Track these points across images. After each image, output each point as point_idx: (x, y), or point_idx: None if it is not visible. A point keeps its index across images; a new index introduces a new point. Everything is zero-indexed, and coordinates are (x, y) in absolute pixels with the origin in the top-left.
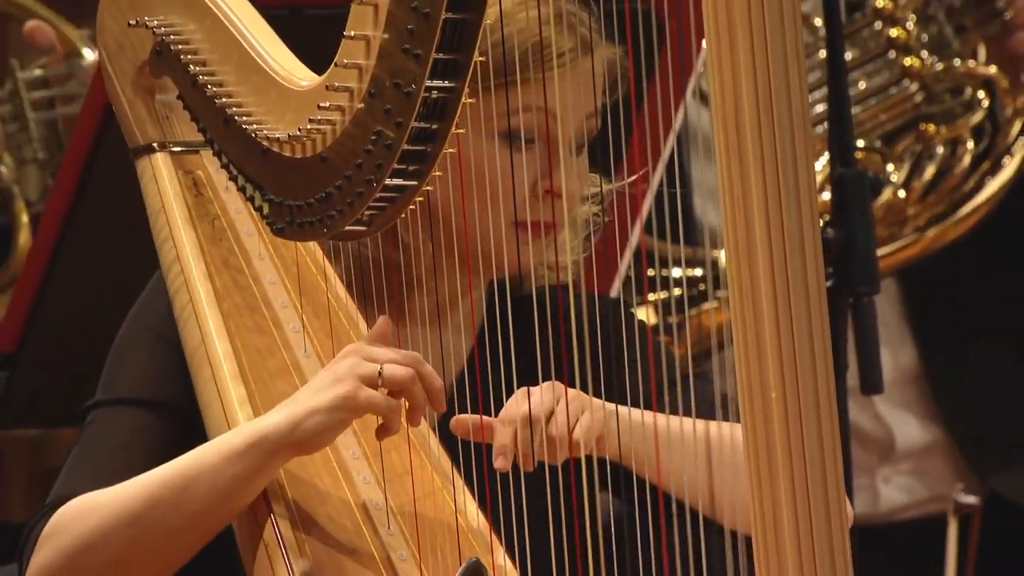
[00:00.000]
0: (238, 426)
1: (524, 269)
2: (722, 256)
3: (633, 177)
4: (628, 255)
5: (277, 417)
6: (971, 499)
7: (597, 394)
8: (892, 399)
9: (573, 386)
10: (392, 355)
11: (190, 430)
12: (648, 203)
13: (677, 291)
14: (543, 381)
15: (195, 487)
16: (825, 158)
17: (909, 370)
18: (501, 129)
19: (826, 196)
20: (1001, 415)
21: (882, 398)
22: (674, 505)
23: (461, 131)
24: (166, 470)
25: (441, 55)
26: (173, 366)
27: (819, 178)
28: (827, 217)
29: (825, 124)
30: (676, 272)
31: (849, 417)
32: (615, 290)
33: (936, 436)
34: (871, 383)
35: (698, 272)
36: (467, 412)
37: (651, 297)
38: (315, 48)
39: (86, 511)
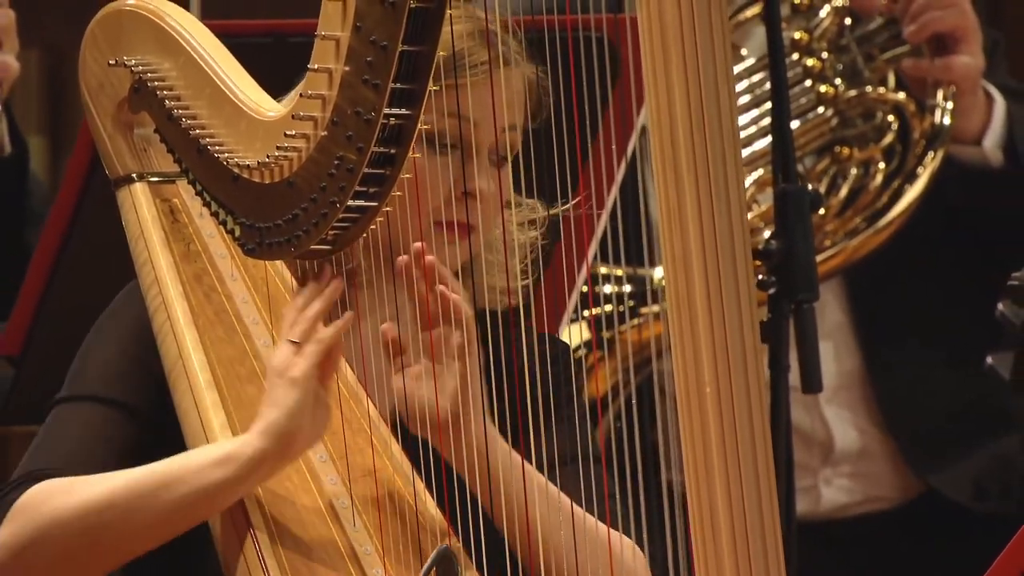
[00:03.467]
0: (227, 439)
1: (451, 269)
2: (655, 272)
3: (572, 202)
4: (582, 277)
5: (252, 436)
6: None
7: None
8: (834, 404)
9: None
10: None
11: (149, 433)
12: (603, 224)
13: (608, 308)
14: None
15: (177, 485)
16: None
17: (850, 376)
18: (423, 134)
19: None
20: (938, 416)
21: (825, 402)
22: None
23: (417, 155)
24: (151, 466)
25: (398, 85)
26: (136, 371)
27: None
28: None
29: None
30: (611, 289)
31: (792, 420)
32: (568, 311)
33: (874, 440)
34: (811, 383)
35: (627, 288)
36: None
37: (586, 313)
38: (297, 74)
39: (64, 490)
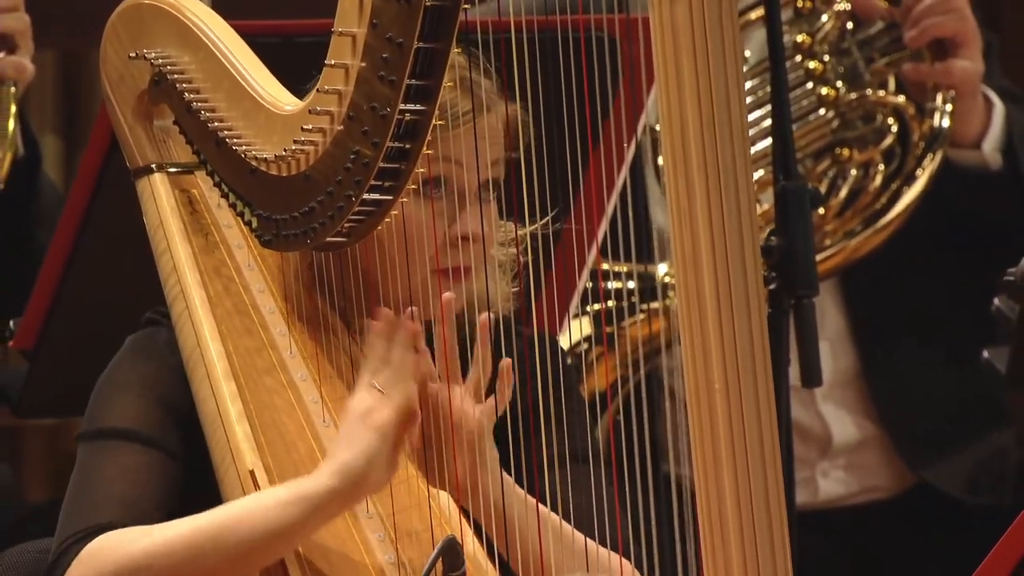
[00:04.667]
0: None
1: (455, 310)
2: (659, 269)
3: (544, 219)
4: (586, 274)
5: (323, 475)
6: None
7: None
8: (831, 399)
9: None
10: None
11: (186, 471)
12: (605, 221)
13: (611, 304)
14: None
15: (246, 525)
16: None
17: (847, 372)
18: (416, 185)
19: None
20: (931, 411)
21: (822, 398)
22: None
23: (430, 152)
24: (220, 508)
25: (413, 81)
26: (162, 413)
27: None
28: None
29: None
30: (614, 285)
31: (791, 413)
32: (571, 307)
33: (869, 433)
34: (811, 377)
35: (631, 285)
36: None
37: (589, 309)
38: (305, 73)
39: (132, 538)
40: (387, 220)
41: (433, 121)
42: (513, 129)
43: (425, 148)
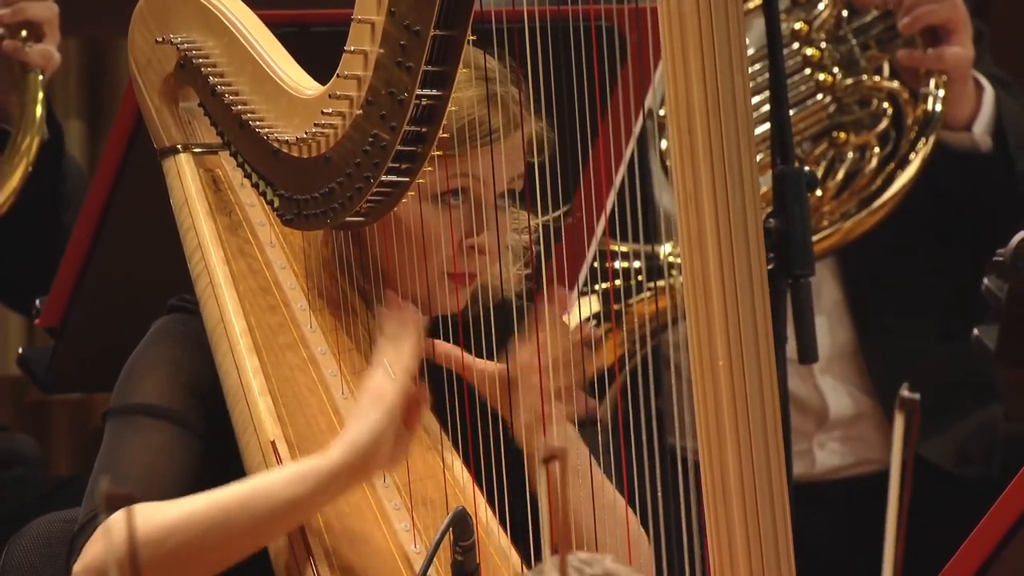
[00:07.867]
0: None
1: (456, 311)
2: (662, 249)
3: (557, 213)
4: (593, 250)
5: (333, 450)
6: (914, 395)
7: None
8: (828, 373)
9: None
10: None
11: (210, 451)
12: (611, 202)
13: (619, 283)
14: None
15: (258, 501)
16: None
17: (844, 347)
18: (437, 193)
19: None
20: (923, 385)
21: (819, 372)
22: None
23: (438, 152)
24: (233, 485)
25: (430, 67)
26: (188, 398)
27: None
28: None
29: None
30: (620, 264)
31: (789, 387)
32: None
33: (865, 406)
34: (807, 353)
35: (636, 264)
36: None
37: (597, 287)
38: (321, 61)
39: (148, 512)
40: (406, 224)
41: (448, 137)
42: (536, 139)
43: (450, 161)
